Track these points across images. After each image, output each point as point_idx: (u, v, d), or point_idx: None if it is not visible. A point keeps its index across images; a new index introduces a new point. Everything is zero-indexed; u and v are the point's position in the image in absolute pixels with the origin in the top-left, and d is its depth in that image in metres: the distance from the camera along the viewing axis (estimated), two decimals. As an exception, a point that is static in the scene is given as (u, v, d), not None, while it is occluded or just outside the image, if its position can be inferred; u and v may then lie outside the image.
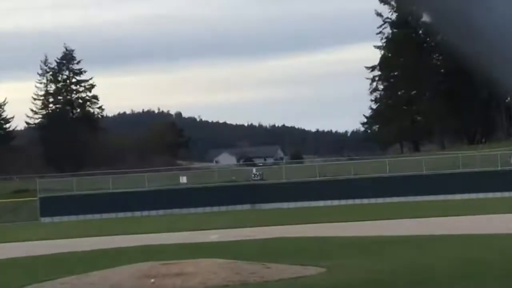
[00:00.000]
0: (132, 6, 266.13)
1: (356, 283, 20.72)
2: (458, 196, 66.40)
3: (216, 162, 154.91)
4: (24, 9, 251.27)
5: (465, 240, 31.16)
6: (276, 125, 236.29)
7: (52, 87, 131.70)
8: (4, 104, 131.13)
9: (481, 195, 66.27)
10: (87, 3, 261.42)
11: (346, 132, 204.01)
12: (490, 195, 65.93)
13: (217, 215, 61.92)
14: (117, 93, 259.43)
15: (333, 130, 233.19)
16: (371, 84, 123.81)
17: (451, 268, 22.85)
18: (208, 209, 69.70)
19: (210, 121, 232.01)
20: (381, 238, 33.97)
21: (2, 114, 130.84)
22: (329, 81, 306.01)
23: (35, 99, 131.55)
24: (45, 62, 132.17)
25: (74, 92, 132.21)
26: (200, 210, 69.48)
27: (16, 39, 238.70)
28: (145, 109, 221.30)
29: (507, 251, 26.39)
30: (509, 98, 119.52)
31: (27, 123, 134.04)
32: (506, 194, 65.57)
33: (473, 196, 66.46)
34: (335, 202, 69.03)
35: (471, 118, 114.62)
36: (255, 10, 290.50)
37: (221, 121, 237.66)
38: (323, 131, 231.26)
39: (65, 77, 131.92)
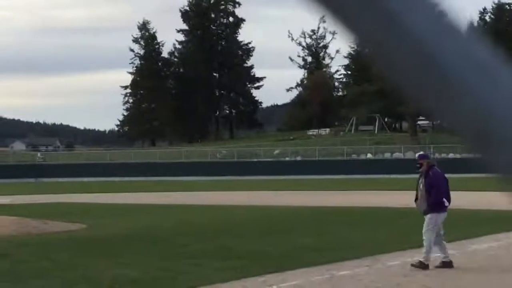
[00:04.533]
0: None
1: (105, 236, 20.45)
2: (181, 178, 65.99)
3: (11, 147, 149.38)
4: None
5: (189, 208, 31.35)
6: (56, 123, 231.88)
7: None
8: None
9: (194, 178, 66.10)
10: None
11: (105, 130, 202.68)
12: (203, 178, 66.01)
13: (12, 185, 59.22)
14: None
15: (96, 129, 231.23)
16: (124, 98, 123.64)
17: (174, 227, 22.90)
18: (5, 181, 66.60)
19: (8, 117, 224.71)
20: (131, 206, 33.63)
21: None
22: (97, 94, 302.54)
23: None
24: None
25: None
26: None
27: None
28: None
29: (215, 218, 26.74)
30: (218, 113, 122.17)
31: None
32: (212, 178, 65.82)
33: (188, 178, 66.08)
34: (93, 179, 67.26)
35: (191, 125, 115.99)
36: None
37: (16, 118, 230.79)
38: (89, 129, 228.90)
39: None
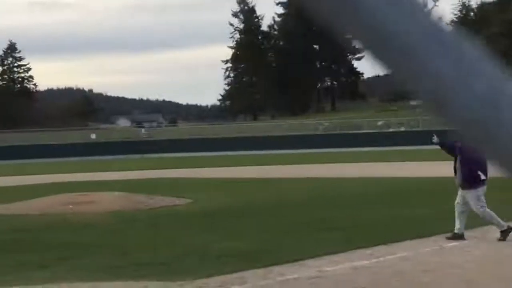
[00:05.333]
0: (54, 14, 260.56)
1: (210, 210, 20.58)
2: (283, 152, 65.89)
3: (117, 124, 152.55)
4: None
5: (292, 181, 31.26)
6: (159, 99, 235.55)
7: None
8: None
9: (300, 151, 65.76)
10: (24, 9, 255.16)
11: (207, 105, 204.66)
12: (308, 150, 65.67)
13: (118, 161, 60.49)
14: (47, 75, 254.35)
15: (198, 104, 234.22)
16: (225, 73, 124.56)
17: (278, 200, 22.82)
18: (111, 157, 68.15)
19: (113, 95, 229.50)
20: (234, 179, 33.76)
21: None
22: (196, 69, 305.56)
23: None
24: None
25: (16, 72, 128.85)
26: (104, 158, 67.97)
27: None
28: (67, 86, 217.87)
29: (317, 191, 26.53)
30: (319, 85, 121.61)
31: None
32: (315, 150, 65.52)
33: (290, 151, 65.92)
34: (199, 154, 67.90)
35: (293, 98, 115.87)
36: (138, 18, 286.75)
37: (120, 96, 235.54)
38: (191, 104, 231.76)
39: (9, 62, 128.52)
